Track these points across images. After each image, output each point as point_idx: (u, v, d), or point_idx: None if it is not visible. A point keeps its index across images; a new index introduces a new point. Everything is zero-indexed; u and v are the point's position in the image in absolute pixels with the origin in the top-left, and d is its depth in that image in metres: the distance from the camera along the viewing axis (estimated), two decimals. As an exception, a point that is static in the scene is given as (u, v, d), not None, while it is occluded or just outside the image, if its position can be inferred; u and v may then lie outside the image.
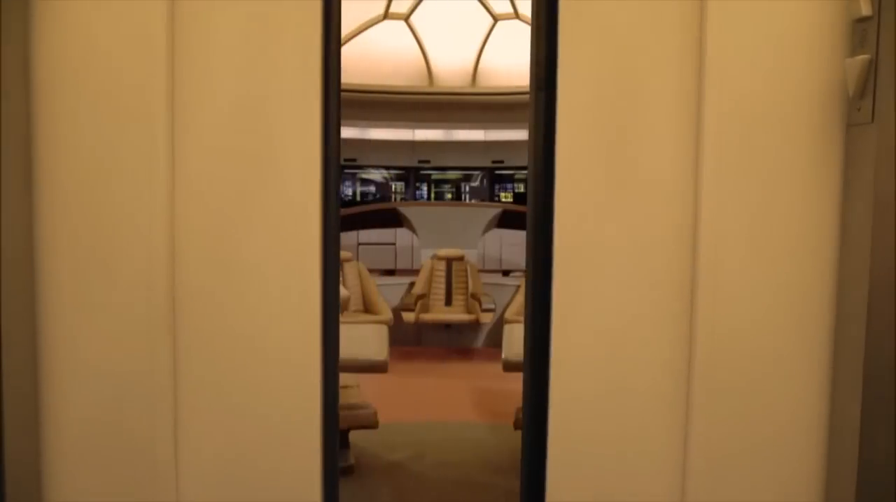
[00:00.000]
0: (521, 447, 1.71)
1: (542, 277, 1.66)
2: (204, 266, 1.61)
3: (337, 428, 1.74)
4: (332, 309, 1.70)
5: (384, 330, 3.49)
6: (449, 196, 12.64)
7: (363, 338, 3.52)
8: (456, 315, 7.45)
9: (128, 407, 1.63)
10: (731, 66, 1.58)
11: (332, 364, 1.70)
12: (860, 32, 1.44)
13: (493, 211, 8.37)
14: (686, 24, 1.62)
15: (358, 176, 12.59)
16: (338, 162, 1.71)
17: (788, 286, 1.55)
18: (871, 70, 1.40)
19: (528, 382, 1.72)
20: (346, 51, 12.42)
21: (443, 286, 7.64)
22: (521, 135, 12.13)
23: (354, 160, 12.30)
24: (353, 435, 3.93)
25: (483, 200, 12.35)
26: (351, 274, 7.70)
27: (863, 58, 1.42)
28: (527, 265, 1.73)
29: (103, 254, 1.61)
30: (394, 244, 11.55)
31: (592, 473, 1.65)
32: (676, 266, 1.59)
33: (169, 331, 1.60)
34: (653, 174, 1.62)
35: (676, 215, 1.60)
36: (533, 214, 1.68)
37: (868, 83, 1.40)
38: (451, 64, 11.65)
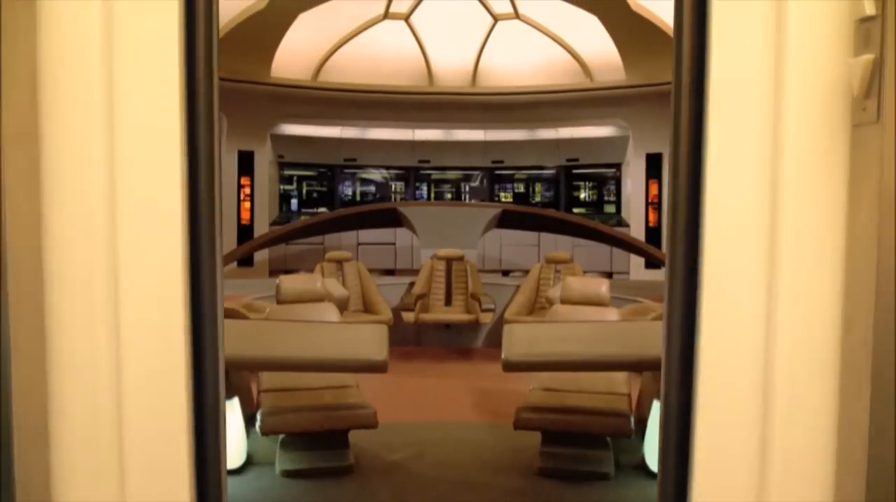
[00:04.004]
0: (660, 449, 1.69)
1: (688, 277, 1.62)
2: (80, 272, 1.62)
3: (218, 429, 1.73)
4: (205, 314, 1.69)
5: (384, 330, 3.47)
6: (449, 196, 12.65)
7: (362, 338, 3.50)
8: (456, 315, 7.45)
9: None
10: (733, 65, 1.57)
11: (210, 366, 1.70)
12: (864, 32, 1.44)
13: (492, 211, 8.36)
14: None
15: (358, 176, 12.60)
16: (210, 163, 1.68)
17: (793, 285, 1.54)
18: (876, 69, 1.39)
19: (670, 383, 1.68)
20: (346, 51, 12.43)
21: (442, 286, 7.64)
22: (520, 135, 12.19)
23: (354, 160, 12.30)
24: (353, 435, 3.93)
25: (483, 200, 12.35)
26: (350, 274, 7.70)
27: (867, 57, 1.41)
28: (668, 267, 1.68)
29: (73, 255, 1.62)
30: (394, 244, 11.55)
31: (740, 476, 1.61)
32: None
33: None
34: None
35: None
36: (679, 212, 1.63)
37: (873, 83, 1.39)
38: (451, 64, 11.65)
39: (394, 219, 8.63)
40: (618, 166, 12.04)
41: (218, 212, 1.72)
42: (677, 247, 1.66)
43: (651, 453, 3.73)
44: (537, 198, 12.54)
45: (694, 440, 1.62)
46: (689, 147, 1.64)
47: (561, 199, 12.39)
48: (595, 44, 10.78)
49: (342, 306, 5.59)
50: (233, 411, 3.75)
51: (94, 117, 1.60)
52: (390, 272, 11.13)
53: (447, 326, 7.56)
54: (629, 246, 9.34)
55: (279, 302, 4.64)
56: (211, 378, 1.71)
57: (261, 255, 11.12)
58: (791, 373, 1.55)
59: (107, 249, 1.62)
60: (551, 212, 11.47)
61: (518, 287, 7.69)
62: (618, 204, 12.14)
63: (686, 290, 1.65)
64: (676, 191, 1.65)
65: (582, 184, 12.42)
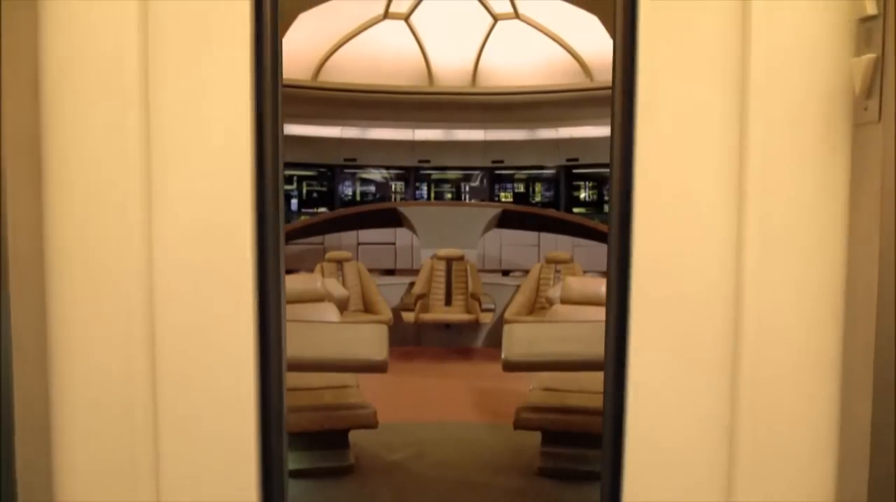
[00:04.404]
0: (602, 448, 1.73)
1: (621, 281, 1.67)
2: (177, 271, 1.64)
3: (282, 430, 1.77)
4: (271, 314, 1.72)
5: (384, 329, 3.47)
6: (449, 196, 12.63)
7: (362, 338, 3.50)
8: (456, 315, 7.45)
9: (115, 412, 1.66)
10: (735, 65, 1.57)
11: (274, 366, 1.75)
12: (866, 31, 1.44)
13: (492, 211, 8.36)
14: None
15: (358, 176, 12.58)
16: (275, 163, 1.70)
17: (797, 285, 1.54)
18: (878, 69, 1.39)
19: (609, 383, 1.77)
20: (346, 51, 12.40)
21: (442, 286, 7.63)
22: (520, 135, 12.18)
23: (354, 160, 12.29)
24: (353, 435, 3.92)
25: (483, 200, 12.34)
26: (350, 273, 7.69)
27: (868, 57, 1.41)
28: (608, 269, 1.74)
29: (101, 257, 1.62)
30: (394, 244, 11.54)
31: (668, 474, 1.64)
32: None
33: (147, 335, 1.64)
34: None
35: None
36: (615, 217, 1.69)
37: (874, 82, 1.39)
38: (451, 64, 11.63)
39: (394, 219, 8.62)
40: (618, 166, 12.02)
41: (282, 216, 1.74)
42: (612, 242, 1.70)
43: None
44: (537, 198, 12.53)
45: (627, 441, 1.66)
46: (622, 143, 1.66)
47: (561, 199, 12.37)
48: (595, 44, 10.76)
49: (342, 306, 5.59)
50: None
51: (132, 120, 1.59)
52: (390, 272, 11.12)
53: (447, 326, 7.56)
54: (629, 246, 9.31)
55: (279, 302, 4.64)
56: (275, 379, 1.72)
57: (261, 255, 11.10)
58: (789, 375, 1.54)
59: (143, 250, 1.62)
60: (551, 212, 11.46)
61: (518, 287, 7.69)
62: (618, 204, 12.12)
63: (620, 292, 1.69)
64: (613, 193, 1.70)
65: (582, 184, 12.41)
